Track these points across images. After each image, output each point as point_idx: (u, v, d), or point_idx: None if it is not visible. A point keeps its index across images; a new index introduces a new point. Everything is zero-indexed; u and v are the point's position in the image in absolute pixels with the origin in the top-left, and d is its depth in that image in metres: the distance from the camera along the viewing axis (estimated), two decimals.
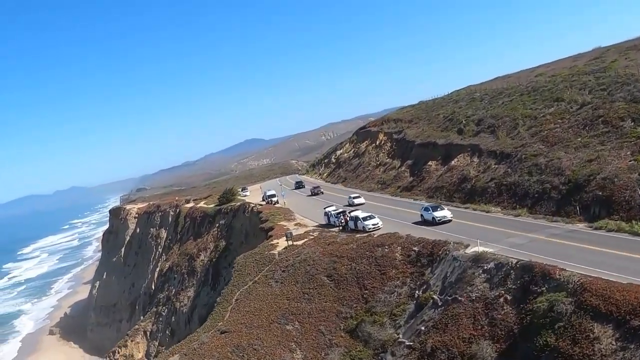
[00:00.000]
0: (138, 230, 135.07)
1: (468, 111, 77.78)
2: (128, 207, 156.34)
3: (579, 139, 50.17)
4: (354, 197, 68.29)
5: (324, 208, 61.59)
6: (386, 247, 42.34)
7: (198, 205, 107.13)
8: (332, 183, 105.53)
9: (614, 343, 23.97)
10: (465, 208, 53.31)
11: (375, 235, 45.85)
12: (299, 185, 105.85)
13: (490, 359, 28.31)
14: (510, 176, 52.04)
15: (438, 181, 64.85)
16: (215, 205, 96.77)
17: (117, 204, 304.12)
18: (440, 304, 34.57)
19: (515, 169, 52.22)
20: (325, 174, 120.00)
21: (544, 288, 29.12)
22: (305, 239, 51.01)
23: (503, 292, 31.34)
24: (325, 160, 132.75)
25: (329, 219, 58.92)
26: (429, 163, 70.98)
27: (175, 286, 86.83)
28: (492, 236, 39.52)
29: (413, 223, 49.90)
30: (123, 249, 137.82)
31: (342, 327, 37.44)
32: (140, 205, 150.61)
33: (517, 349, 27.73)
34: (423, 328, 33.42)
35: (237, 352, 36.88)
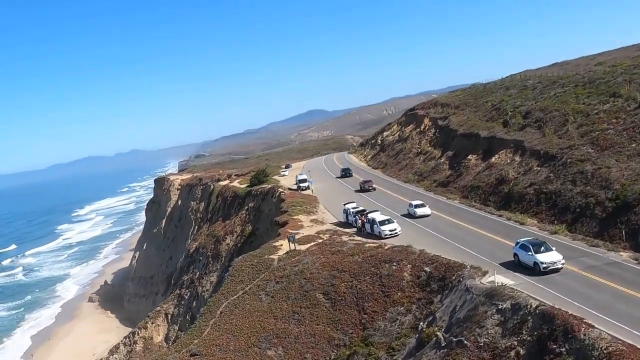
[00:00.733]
0: (180, 202, 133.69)
1: (517, 101, 70.20)
2: (172, 178, 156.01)
3: (634, 145, 42.91)
4: (417, 206, 51.48)
5: (344, 204, 55.98)
6: (394, 263, 37.16)
7: (231, 185, 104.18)
8: (372, 167, 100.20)
9: None
10: (499, 216, 47.84)
11: (386, 247, 40.54)
12: (346, 173, 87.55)
13: None
14: (552, 183, 45.54)
15: (475, 179, 59.05)
16: (247, 186, 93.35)
17: (176, 169, 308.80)
18: (443, 344, 29.45)
19: (559, 175, 45.67)
20: (369, 157, 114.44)
21: (563, 349, 23.56)
22: (312, 243, 46.15)
23: (516, 343, 25.91)
24: (372, 141, 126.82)
25: (347, 217, 53.81)
26: (469, 157, 65.60)
27: (199, 269, 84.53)
28: None
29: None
30: (164, 221, 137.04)
31: (332, 358, 32.84)
32: (184, 177, 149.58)
33: None
34: None
35: None
